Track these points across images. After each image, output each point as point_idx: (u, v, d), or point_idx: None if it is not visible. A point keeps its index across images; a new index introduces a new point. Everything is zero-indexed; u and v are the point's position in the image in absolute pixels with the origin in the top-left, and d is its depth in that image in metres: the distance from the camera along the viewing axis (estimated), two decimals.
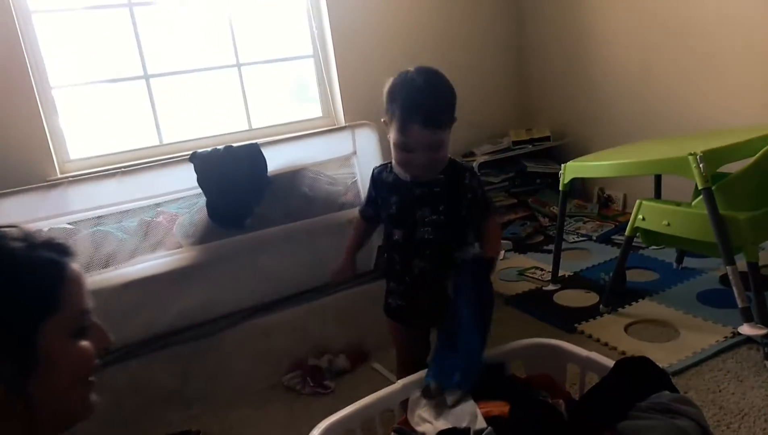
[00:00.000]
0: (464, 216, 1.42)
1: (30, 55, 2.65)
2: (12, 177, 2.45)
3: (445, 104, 1.33)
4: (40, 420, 0.71)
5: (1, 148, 2.59)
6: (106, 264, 1.83)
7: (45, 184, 1.89)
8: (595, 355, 1.36)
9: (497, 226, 1.51)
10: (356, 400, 1.31)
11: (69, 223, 1.90)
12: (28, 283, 0.71)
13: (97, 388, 0.79)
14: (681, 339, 2.02)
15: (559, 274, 2.60)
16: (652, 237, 2.23)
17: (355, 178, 2.15)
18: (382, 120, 1.39)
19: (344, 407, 1.30)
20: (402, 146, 1.33)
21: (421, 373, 1.41)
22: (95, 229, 1.89)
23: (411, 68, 1.35)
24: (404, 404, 1.38)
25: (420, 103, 1.29)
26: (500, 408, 1.18)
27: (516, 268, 2.83)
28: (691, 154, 1.88)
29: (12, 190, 1.75)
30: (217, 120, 3.15)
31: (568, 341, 1.46)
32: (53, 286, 0.72)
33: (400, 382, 1.38)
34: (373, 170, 1.54)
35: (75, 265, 0.76)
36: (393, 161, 1.43)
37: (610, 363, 1.29)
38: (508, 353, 1.46)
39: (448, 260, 1.42)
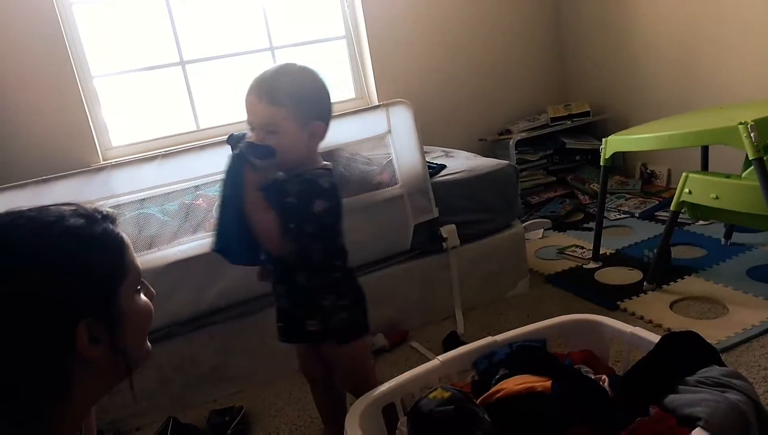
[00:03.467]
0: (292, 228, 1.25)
1: (72, 47, 2.72)
2: (58, 165, 2.53)
3: (286, 86, 1.25)
4: (125, 367, 0.81)
5: (47, 137, 2.68)
6: (149, 245, 1.87)
7: (90, 169, 1.93)
8: (639, 331, 1.33)
9: (274, 226, 1.23)
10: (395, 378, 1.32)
11: (111, 207, 1.95)
12: (102, 254, 0.78)
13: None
14: (730, 315, 1.95)
15: (601, 252, 2.54)
16: (700, 211, 2.15)
17: (390, 157, 2.13)
18: None
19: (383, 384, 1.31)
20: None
21: (460, 349, 1.40)
22: (139, 211, 1.94)
23: None
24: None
25: (260, 77, 1.28)
26: (542, 383, 1.17)
27: (555, 247, 2.78)
28: (741, 124, 1.80)
29: (59, 174, 1.81)
30: None
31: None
32: (120, 253, 0.80)
33: (439, 359, 1.38)
34: None
35: (123, 232, 0.84)
36: None
37: (656, 338, 1.25)
38: (548, 329, 1.44)
39: (288, 272, 1.34)
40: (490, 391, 1.22)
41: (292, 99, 1.24)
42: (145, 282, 0.88)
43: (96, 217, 0.80)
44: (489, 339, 1.41)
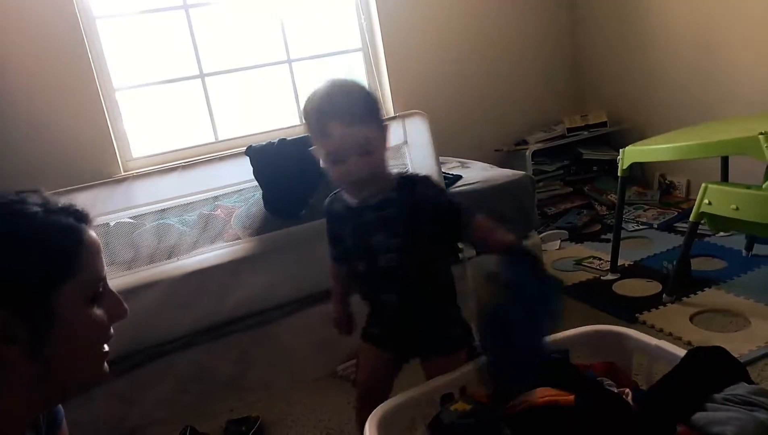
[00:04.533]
0: (431, 233, 1.20)
1: (95, 60, 2.77)
2: (79, 176, 2.57)
3: (358, 100, 1.16)
4: (57, 384, 0.73)
5: (69, 149, 2.72)
6: (169, 255, 1.89)
7: (111, 180, 1.97)
8: (664, 344, 1.30)
9: (486, 220, 1.18)
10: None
11: (131, 217, 1.98)
12: (45, 246, 0.71)
13: (109, 358, 0.79)
14: (752, 328, 1.92)
15: (619, 264, 2.51)
16: (720, 223, 2.12)
17: (406, 168, 2.14)
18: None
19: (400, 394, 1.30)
20: (330, 158, 1.16)
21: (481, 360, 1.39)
22: (158, 222, 1.97)
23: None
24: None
25: (328, 101, 1.15)
26: (565, 397, 1.16)
27: (573, 258, 2.76)
28: (762, 134, 1.78)
29: (81, 185, 1.84)
30: (269, 115, 3.21)
31: None
32: (70, 251, 0.72)
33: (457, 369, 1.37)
34: (325, 203, 1.34)
35: (92, 232, 0.76)
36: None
37: (681, 352, 1.23)
38: (571, 340, 1.42)
39: (418, 289, 1.25)
40: (512, 404, 1.21)
41: (370, 112, 1.17)
42: (115, 294, 0.78)
43: (56, 209, 0.73)
44: None
